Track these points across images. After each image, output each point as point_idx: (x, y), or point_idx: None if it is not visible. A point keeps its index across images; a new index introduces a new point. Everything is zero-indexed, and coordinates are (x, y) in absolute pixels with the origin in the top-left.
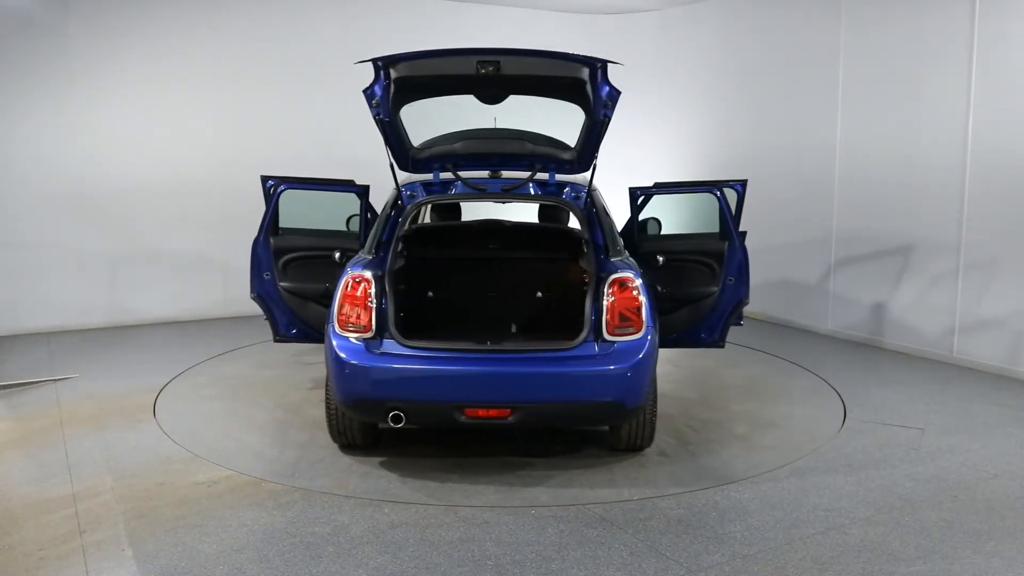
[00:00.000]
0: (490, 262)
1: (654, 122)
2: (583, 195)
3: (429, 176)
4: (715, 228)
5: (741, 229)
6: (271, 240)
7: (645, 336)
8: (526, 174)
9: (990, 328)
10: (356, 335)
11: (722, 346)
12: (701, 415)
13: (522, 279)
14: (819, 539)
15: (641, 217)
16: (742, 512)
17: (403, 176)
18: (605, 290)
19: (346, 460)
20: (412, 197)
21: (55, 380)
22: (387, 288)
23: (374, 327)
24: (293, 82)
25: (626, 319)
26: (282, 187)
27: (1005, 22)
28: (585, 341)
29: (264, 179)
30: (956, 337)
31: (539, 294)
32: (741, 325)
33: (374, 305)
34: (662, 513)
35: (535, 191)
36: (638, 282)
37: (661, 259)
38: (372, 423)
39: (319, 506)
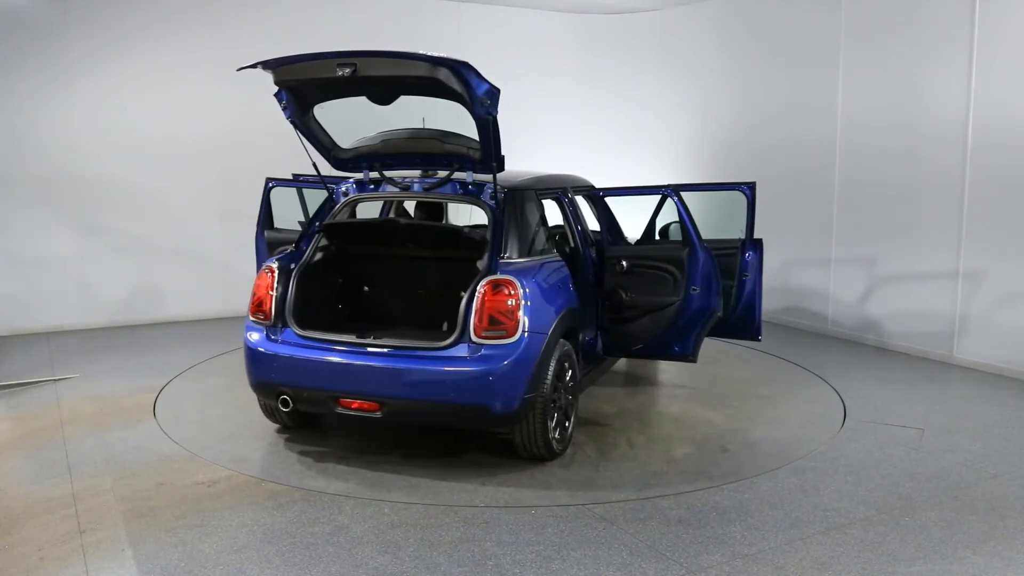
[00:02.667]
0: (415, 260)
1: (654, 122)
2: (500, 196)
3: (361, 175)
4: (736, 231)
5: (756, 236)
6: (265, 234)
7: (519, 341)
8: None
9: (990, 328)
10: (259, 322)
11: (693, 360)
12: (650, 431)
13: (447, 278)
14: (819, 539)
15: (664, 221)
16: (742, 512)
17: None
18: (477, 291)
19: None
20: (345, 194)
21: (55, 380)
22: (292, 280)
23: (274, 315)
24: None
25: (496, 322)
26: (271, 184)
27: (1005, 23)
28: (458, 342)
29: (295, 176)
30: (956, 337)
31: (462, 293)
32: (759, 340)
33: (275, 295)
34: (662, 513)
35: (459, 190)
36: (520, 288)
37: (625, 264)
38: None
39: (319, 506)
